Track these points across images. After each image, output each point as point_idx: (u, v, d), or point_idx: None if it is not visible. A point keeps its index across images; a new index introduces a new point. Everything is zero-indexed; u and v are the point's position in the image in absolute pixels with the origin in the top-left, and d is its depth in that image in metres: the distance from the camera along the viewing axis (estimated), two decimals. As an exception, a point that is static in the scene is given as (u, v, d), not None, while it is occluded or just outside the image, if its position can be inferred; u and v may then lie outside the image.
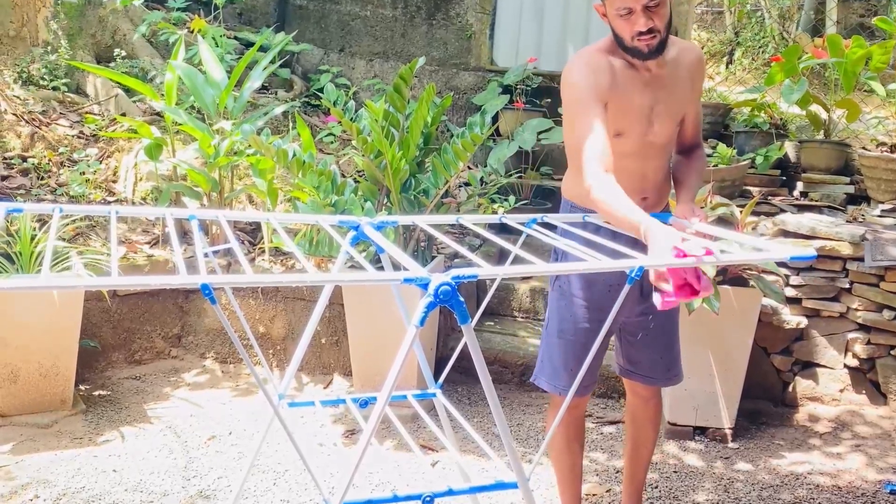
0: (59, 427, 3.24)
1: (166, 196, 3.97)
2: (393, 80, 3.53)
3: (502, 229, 3.94)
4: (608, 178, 1.97)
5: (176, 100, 4.10)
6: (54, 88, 4.89)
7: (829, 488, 2.98)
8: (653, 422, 2.50)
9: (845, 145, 4.50)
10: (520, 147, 4.68)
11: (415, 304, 1.46)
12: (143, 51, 5.39)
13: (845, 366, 3.59)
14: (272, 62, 4.33)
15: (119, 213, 1.91)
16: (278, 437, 3.12)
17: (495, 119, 5.05)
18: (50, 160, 4.33)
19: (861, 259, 3.49)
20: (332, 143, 5.09)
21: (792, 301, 3.60)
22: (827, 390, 3.61)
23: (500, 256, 4.40)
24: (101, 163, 4.47)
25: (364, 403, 2.00)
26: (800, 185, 4.41)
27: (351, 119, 3.34)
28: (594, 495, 2.88)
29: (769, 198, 4.29)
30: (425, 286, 1.43)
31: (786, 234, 3.72)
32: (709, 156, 4.32)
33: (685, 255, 1.67)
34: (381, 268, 2.12)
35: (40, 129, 4.52)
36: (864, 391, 3.58)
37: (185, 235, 4.11)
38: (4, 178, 4.12)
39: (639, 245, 1.86)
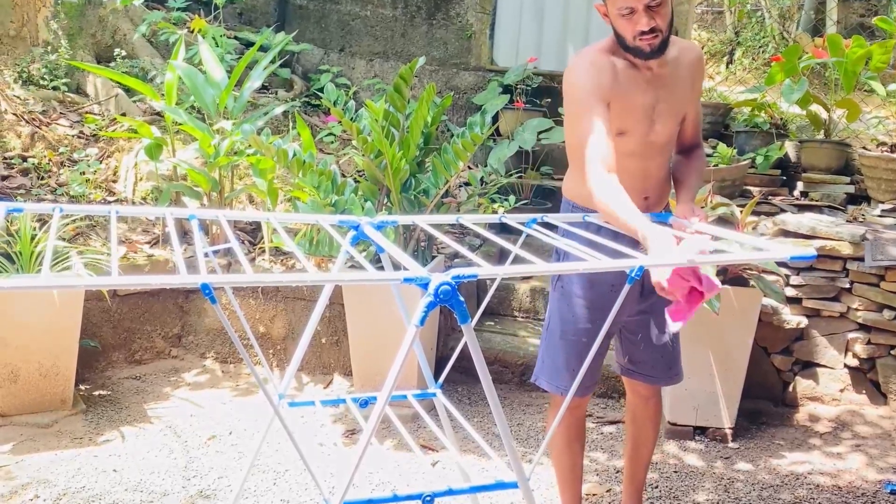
0: (59, 427, 3.24)
1: (166, 196, 3.97)
2: (393, 79, 3.53)
3: (502, 229, 3.94)
4: (611, 179, 1.97)
5: (176, 100, 4.10)
6: (54, 88, 4.89)
7: (830, 488, 2.98)
8: (653, 421, 2.50)
9: (845, 145, 4.50)
10: (520, 147, 4.68)
11: (415, 303, 1.46)
12: (144, 51, 5.39)
13: (845, 366, 3.59)
14: (272, 62, 4.33)
15: (119, 212, 1.91)
16: (278, 436, 3.12)
17: (495, 119, 5.05)
18: (50, 160, 4.33)
19: (861, 259, 3.49)
20: (332, 142, 5.10)
21: (792, 301, 3.60)
22: (827, 390, 3.61)
23: (501, 256, 4.40)
24: (101, 163, 4.47)
25: (364, 403, 2.00)
26: (800, 185, 4.41)
27: (351, 119, 3.34)
28: (594, 495, 2.88)
29: (769, 197, 4.29)
30: (425, 286, 1.43)
31: (786, 233, 3.72)
32: (709, 155, 4.32)
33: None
34: (382, 267, 2.12)
35: (40, 128, 4.52)
36: (864, 391, 3.58)
37: (185, 235, 4.11)
38: (4, 177, 4.12)
39: (640, 245, 1.86)
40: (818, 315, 3.59)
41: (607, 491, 2.91)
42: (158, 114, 4.61)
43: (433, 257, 3.70)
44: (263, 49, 5.06)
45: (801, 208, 4.14)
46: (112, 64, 5.06)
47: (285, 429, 1.55)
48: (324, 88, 3.65)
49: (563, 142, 2.26)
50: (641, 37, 2.03)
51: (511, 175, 4.62)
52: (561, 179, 2.44)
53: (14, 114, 4.50)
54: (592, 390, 2.46)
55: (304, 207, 3.47)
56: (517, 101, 5.12)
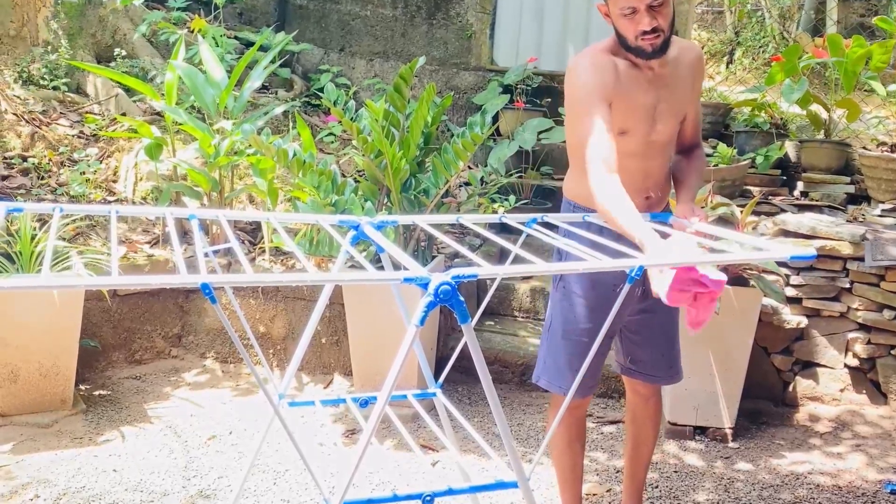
0: (59, 427, 3.24)
1: (166, 196, 3.97)
2: (393, 79, 3.53)
3: (502, 229, 3.94)
4: (612, 179, 1.97)
5: (176, 99, 4.10)
6: (54, 88, 4.89)
7: (830, 488, 2.98)
8: (653, 420, 2.50)
9: (846, 145, 4.50)
10: (520, 147, 4.68)
11: (415, 303, 1.46)
12: (144, 50, 5.39)
13: (846, 365, 3.59)
14: (272, 62, 4.33)
15: (119, 212, 1.91)
16: (278, 436, 3.12)
17: (495, 119, 5.05)
18: (50, 160, 4.33)
19: (861, 259, 3.49)
20: (332, 142, 5.10)
21: (792, 301, 3.60)
22: (827, 390, 3.61)
23: (501, 256, 4.40)
24: (101, 162, 4.47)
25: (364, 403, 2.00)
26: (800, 185, 4.41)
27: (351, 119, 3.34)
28: (594, 495, 2.88)
29: (769, 197, 4.29)
30: (425, 286, 1.43)
31: (786, 233, 3.72)
32: (709, 155, 4.32)
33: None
34: (382, 267, 2.12)
35: (40, 128, 4.52)
36: (864, 391, 3.58)
37: (185, 235, 4.11)
38: (5, 177, 4.12)
39: None
40: (818, 315, 3.59)
41: (607, 491, 2.91)
42: (158, 114, 4.61)
43: (433, 257, 3.70)
44: (263, 49, 5.05)
45: (802, 208, 4.14)
46: (112, 64, 5.06)
47: (285, 429, 1.55)
48: (324, 88, 3.65)
49: (564, 142, 2.26)
50: (643, 36, 2.04)
51: (511, 175, 4.62)
52: (561, 179, 2.44)
53: (14, 114, 4.50)
54: (594, 390, 2.46)
55: (305, 207, 3.47)
56: (517, 101, 5.12)
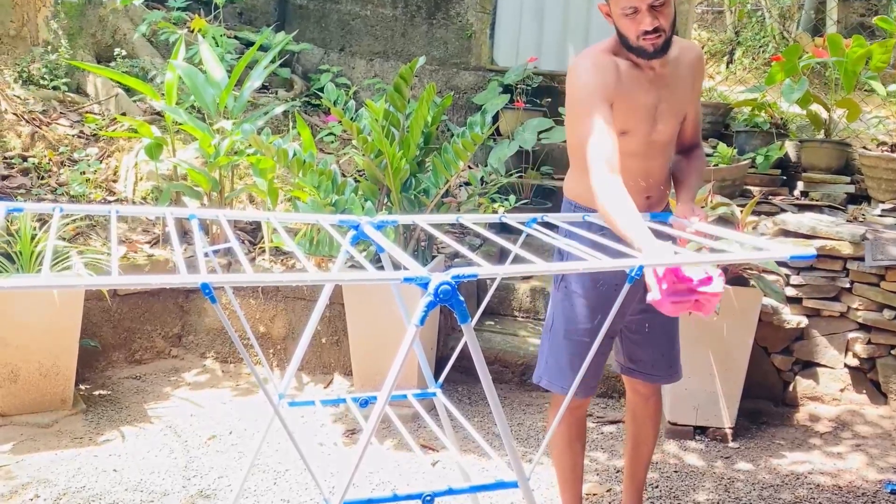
0: (59, 427, 3.24)
1: (166, 195, 3.97)
2: (393, 79, 3.53)
3: (503, 229, 3.94)
4: (614, 181, 1.97)
5: (176, 99, 4.10)
6: (54, 88, 4.89)
7: (830, 488, 2.98)
8: (653, 420, 2.50)
9: (846, 145, 4.50)
10: (520, 146, 4.68)
11: (415, 303, 1.46)
12: (144, 50, 5.39)
13: (846, 365, 3.59)
14: (272, 62, 4.33)
15: (119, 212, 1.91)
16: (278, 436, 3.12)
17: (496, 119, 5.05)
18: (50, 160, 4.33)
19: (861, 259, 3.49)
20: (332, 142, 5.10)
21: (792, 300, 3.60)
22: (827, 390, 3.61)
23: (501, 256, 4.40)
24: (101, 162, 4.47)
25: (364, 403, 2.00)
26: (800, 185, 4.41)
27: (351, 118, 3.34)
28: (594, 495, 2.88)
29: (770, 197, 4.29)
30: (425, 285, 1.43)
31: (786, 233, 3.72)
32: (709, 155, 4.32)
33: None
34: (382, 267, 2.12)
35: (40, 128, 4.52)
36: (864, 391, 3.58)
37: (185, 235, 4.11)
38: (5, 177, 4.12)
39: None
40: (818, 315, 3.59)
41: (607, 491, 2.91)
42: (158, 113, 4.61)
43: (433, 257, 3.70)
44: (263, 49, 5.05)
45: (802, 208, 4.14)
46: (112, 64, 5.06)
47: (285, 428, 1.55)
48: (324, 88, 3.65)
49: (564, 141, 2.26)
50: (645, 36, 2.04)
51: (511, 175, 4.62)
52: (561, 179, 2.44)
53: (14, 113, 4.50)
54: (595, 390, 2.46)
55: (305, 207, 3.47)
56: (517, 101, 5.12)
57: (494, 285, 2.33)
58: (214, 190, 3.99)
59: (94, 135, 4.66)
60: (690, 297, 1.73)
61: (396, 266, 1.88)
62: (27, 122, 4.51)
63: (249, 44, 5.50)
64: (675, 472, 3.07)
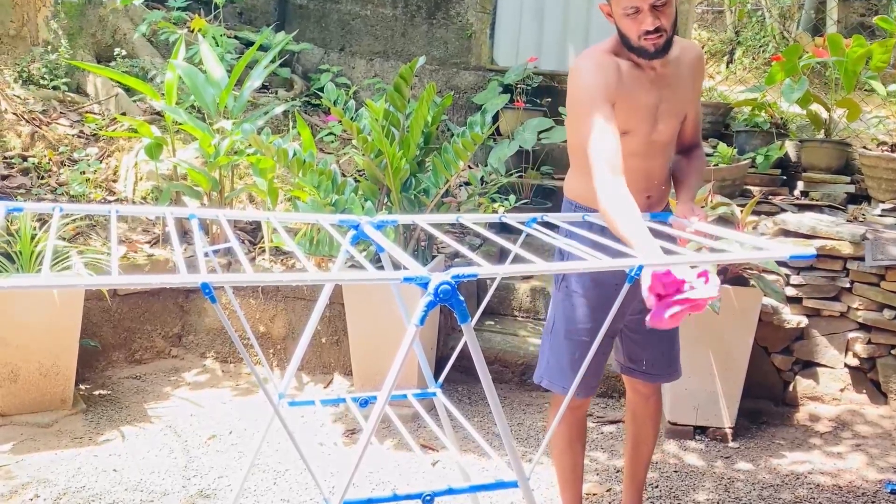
0: (59, 426, 3.24)
1: (166, 195, 3.97)
2: (393, 79, 3.53)
3: (502, 229, 3.94)
4: (617, 182, 1.97)
5: (176, 99, 4.10)
6: (54, 88, 4.89)
7: (830, 488, 2.98)
8: (653, 419, 2.50)
9: (846, 145, 4.49)
10: (520, 146, 4.68)
11: (415, 303, 1.46)
12: (144, 50, 5.39)
13: (846, 365, 3.58)
14: (272, 61, 4.33)
15: (119, 212, 1.91)
16: (278, 436, 3.12)
17: (496, 118, 5.05)
18: (50, 159, 4.33)
19: (861, 258, 3.49)
20: (332, 142, 5.09)
21: (792, 300, 3.60)
22: (827, 390, 3.61)
23: (501, 256, 4.40)
24: (101, 162, 4.47)
25: (364, 403, 2.00)
26: (800, 185, 4.41)
27: (351, 118, 3.33)
28: (594, 494, 2.88)
29: (770, 197, 4.29)
30: (425, 285, 1.43)
31: (786, 233, 3.72)
32: (709, 155, 4.32)
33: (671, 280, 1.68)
34: (382, 267, 2.12)
35: (40, 128, 4.52)
36: (864, 391, 3.58)
37: (185, 235, 4.11)
38: (5, 177, 4.12)
39: None
40: (818, 315, 3.59)
41: (607, 490, 2.91)
42: (158, 113, 4.61)
43: (433, 257, 3.70)
44: (263, 48, 5.05)
45: (802, 208, 4.14)
46: (112, 63, 5.06)
47: (285, 428, 1.55)
48: (324, 88, 3.65)
49: (564, 141, 2.26)
50: (646, 36, 2.03)
51: (511, 174, 4.62)
52: (561, 179, 2.44)
53: (14, 113, 4.50)
54: (595, 390, 2.45)
55: (305, 207, 3.47)
56: (517, 101, 5.12)
57: (494, 285, 2.33)
58: (214, 190, 3.99)
59: (94, 135, 4.66)
60: (684, 307, 1.72)
61: (396, 266, 1.88)
62: (27, 121, 4.51)
63: (249, 44, 5.50)
64: (675, 471, 3.07)
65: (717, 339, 3.24)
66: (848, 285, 3.55)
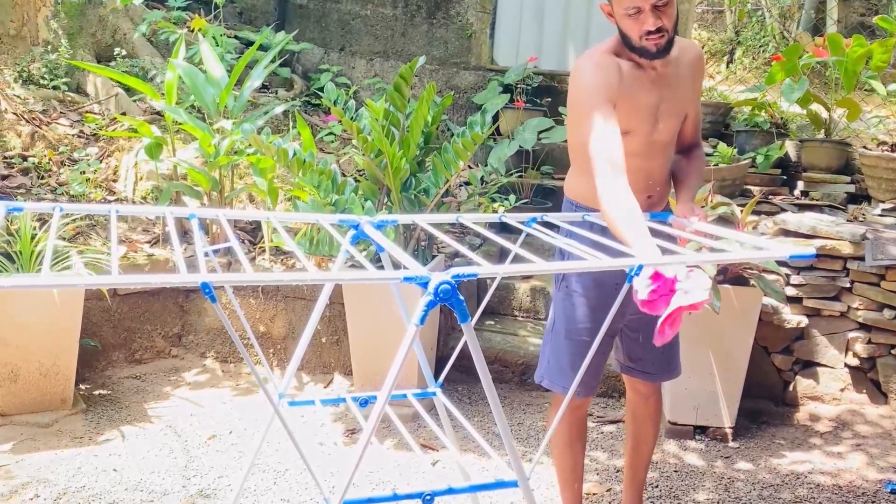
0: (59, 426, 3.24)
1: (166, 195, 3.97)
2: (393, 79, 3.53)
3: (503, 228, 3.94)
4: (619, 182, 1.97)
5: (176, 99, 4.10)
6: (54, 87, 4.89)
7: (830, 487, 2.98)
8: (653, 419, 2.50)
9: (846, 144, 4.49)
10: (520, 146, 4.68)
11: (415, 302, 1.46)
12: (144, 50, 5.39)
13: (846, 365, 3.58)
14: (272, 61, 4.33)
15: (119, 212, 1.91)
16: (278, 436, 3.12)
17: (496, 118, 5.05)
18: (50, 159, 4.33)
19: (862, 258, 3.49)
20: (332, 142, 5.09)
21: (792, 300, 3.60)
22: (827, 389, 3.61)
23: (501, 255, 4.40)
24: (101, 162, 4.47)
25: (364, 402, 2.00)
26: (800, 185, 4.41)
27: (351, 118, 3.33)
28: (594, 494, 2.88)
29: (770, 197, 4.29)
30: (425, 285, 1.43)
31: (786, 233, 3.72)
32: (709, 155, 4.32)
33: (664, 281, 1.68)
34: (382, 267, 2.12)
35: (40, 128, 4.52)
36: (864, 390, 3.58)
37: (185, 234, 4.11)
38: (5, 177, 4.12)
39: None
40: (818, 314, 3.59)
41: (607, 490, 2.91)
42: (158, 113, 4.61)
43: (433, 256, 3.70)
44: (263, 48, 5.05)
45: (802, 208, 4.14)
46: (112, 63, 5.06)
47: (285, 428, 1.55)
48: (324, 88, 3.64)
49: (564, 141, 2.26)
50: (648, 37, 2.03)
51: (511, 174, 4.62)
52: (561, 179, 2.44)
53: (14, 113, 4.50)
54: (595, 390, 2.46)
55: (305, 207, 3.47)
56: (517, 101, 5.12)
57: (494, 285, 2.33)
58: (214, 189, 3.99)
59: (94, 134, 4.66)
60: (680, 317, 1.73)
61: (396, 265, 1.88)
62: (27, 121, 4.51)
63: (249, 43, 5.50)
64: (675, 471, 3.07)
65: (717, 339, 3.24)
66: (848, 285, 3.55)
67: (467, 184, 4.58)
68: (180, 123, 4.00)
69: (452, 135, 3.52)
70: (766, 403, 3.62)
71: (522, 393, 3.74)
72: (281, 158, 3.23)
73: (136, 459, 3.02)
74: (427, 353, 3.50)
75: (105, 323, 3.84)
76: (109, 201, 4.27)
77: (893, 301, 3.43)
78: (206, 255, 1.90)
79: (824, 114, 4.56)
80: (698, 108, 2.35)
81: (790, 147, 4.62)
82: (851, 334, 3.56)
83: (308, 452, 3.08)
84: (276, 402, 1.98)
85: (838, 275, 3.56)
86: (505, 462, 1.72)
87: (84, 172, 4.31)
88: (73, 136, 4.59)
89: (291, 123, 4.87)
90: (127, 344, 3.91)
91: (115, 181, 4.44)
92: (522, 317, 4.23)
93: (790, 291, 3.58)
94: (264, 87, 5.54)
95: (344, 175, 4.32)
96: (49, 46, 5.02)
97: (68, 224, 3.83)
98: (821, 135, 4.56)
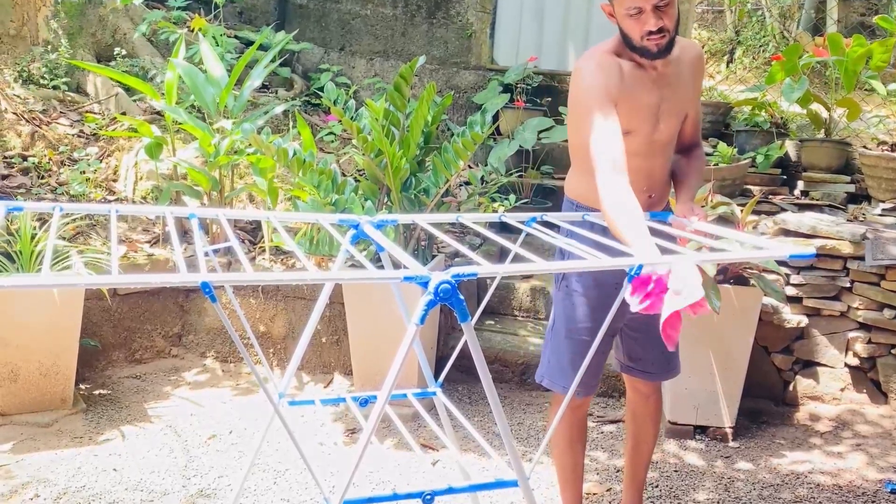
0: (59, 426, 3.24)
1: (166, 195, 3.97)
2: (393, 78, 3.53)
3: (503, 228, 3.93)
4: (621, 182, 1.97)
5: (176, 99, 4.10)
6: (54, 87, 4.89)
7: (830, 487, 2.98)
8: (653, 418, 2.50)
9: (846, 144, 4.49)
10: (520, 146, 4.68)
11: (415, 302, 1.46)
12: (144, 50, 5.39)
13: (846, 365, 3.58)
14: (272, 61, 4.33)
15: (119, 211, 1.91)
16: (279, 435, 3.12)
17: (496, 118, 5.05)
18: (50, 159, 4.33)
19: (862, 258, 3.49)
20: (332, 141, 5.09)
21: (792, 300, 3.60)
22: (828, 389, 3.61)
23: (501, 255, 4.40)
24: (101, 162, 4.47)
25: (364, 402, 2.00)
26: (800, 184, 4.41)
27: (351, 118, 3.33)
28: (594, 494, 2.88)
29: (770, 197, 4.29)
30: (425, 284, 1.43)
31: (786, 233, 3.72)
32: (709, 155, 4.32)
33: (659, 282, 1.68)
34: (382, 266, 2.12)
35: (41, 128, 4.52)
36: (864, 390, 3.58)
37: (185, 234, 4.11)
38: (5, 177, 4.12)
39: None
40: (818, 314, 3.59)
41: (607, 490, 2.91)
42: (158, 113, 4.61)
43: (433, 256, 3.70)
44: (263, 48, 5.05)
45: (802, 207, 4.14)
46: (112, 63, 5.06)
47: (285, 428, 1.55)
48: (324, 87, 3.64)
49: (564, 141, 2.26)
50: (649, 37, 2.03)
51: (511, 174, 4.62)
52: (561, 178, 2.44)
53: (14, 113, 4.50)
54: (595, 390, 2.45)
55: (305, 206, 3.47)
56: (517, 101, 5.12)
57: (494, 284, 2.33)
58: (214, 189, 3.99)
59: (94, 134, 4.66)
60: (679, 322, 1.72)
61: (396, 265, 1.88)
62: (27, 121, 4.51)
63: (249, 43, 5.50)
64: (675, 471, 3.07)
65: (717, 338, 3.24)
66: (848, 285, 3.55)
67: (467, 183, 4.58)
68: (180, 123, 4.00)
69: (452, 134, 3.52)
70: (767, 403, 3.62)
71: (522, 393, 3.74)
72: (281, 158, 3.23)
73: (136, 459, 3.02)
74: (427, 352, 3.50)
75: (105, 323, 3.84)
76: (109, 201, 4.27)
77: (893, 301, 3.43)
78: (206, 254, 1.90)
79: (824, 113, 4.56)
80: (698, 108, 2.35)
81: (790, 147, 4.62)
82: (851, 334, 3.56)
83: (308, 452, 3.08)
84: (276, 402, 1.97)
85: (838, 274, 3.56)
86: (505, 462, 1.72)
87: (84, 172, 4.31)
88: (73, 135, 4.59)
89: (291, 123, 4.87)
90: (127, 344, 3.91)
91: (115, 181, 4.44)
92: (522, 316, 4.23)
93: (790, 291, 3.58)
94: (264, 87, 5.54)
95: (344, 175, 4.32)
96: (49, 46, 5.02)
97: (68, 224, 3.83)
98: (821, 134, 4.55)
